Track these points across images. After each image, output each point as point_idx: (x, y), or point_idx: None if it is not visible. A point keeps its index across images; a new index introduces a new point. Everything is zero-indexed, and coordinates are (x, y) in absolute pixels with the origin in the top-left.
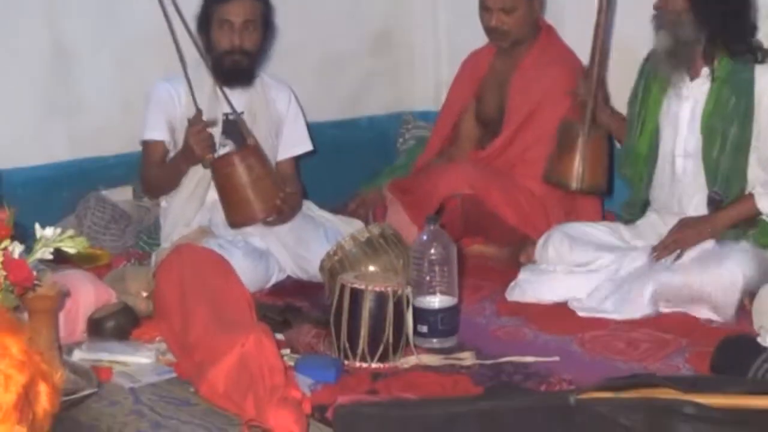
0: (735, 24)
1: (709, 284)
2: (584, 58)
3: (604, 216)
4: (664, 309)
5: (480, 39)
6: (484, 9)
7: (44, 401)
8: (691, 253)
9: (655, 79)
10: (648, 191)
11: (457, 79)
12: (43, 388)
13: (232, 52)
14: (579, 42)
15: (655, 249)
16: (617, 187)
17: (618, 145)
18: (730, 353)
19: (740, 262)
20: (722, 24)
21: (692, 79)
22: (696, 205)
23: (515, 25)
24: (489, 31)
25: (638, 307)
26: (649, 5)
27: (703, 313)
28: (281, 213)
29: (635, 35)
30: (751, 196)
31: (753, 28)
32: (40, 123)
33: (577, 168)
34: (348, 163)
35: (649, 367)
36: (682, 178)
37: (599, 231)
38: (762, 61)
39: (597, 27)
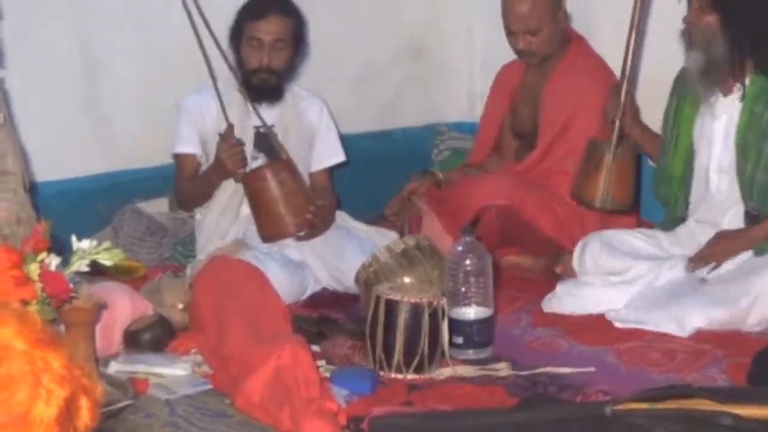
0: (766, 40)
1: (751, 295)
2: (616, 65)
3: (642, 225)
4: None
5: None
6: (510, 33)
7: (85, 416)
8: (728, 266)
9: (687, 97)
10: (684, 210)
11: (492, 91)
12: (84, 403)
13: (260, 70)
14: (611, 50)
15: (691, 260)
16: (652, 204)
17: (650, 163)
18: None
19: None
20: (753, 41)
21: (724, 95)
22: (731, 219)
23: (542, 45)
24: (518, 53)
25: (682, 328)
26: (678, 23)
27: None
28: (313, 227)
29: (665, 54)
30: None
31: None
32: (75, 135)
33: (602, 187)
34: (382, 174)
35: (686, 378)
36: (716, 195)
37: (636, 238)
38: None
39: (627, 44)
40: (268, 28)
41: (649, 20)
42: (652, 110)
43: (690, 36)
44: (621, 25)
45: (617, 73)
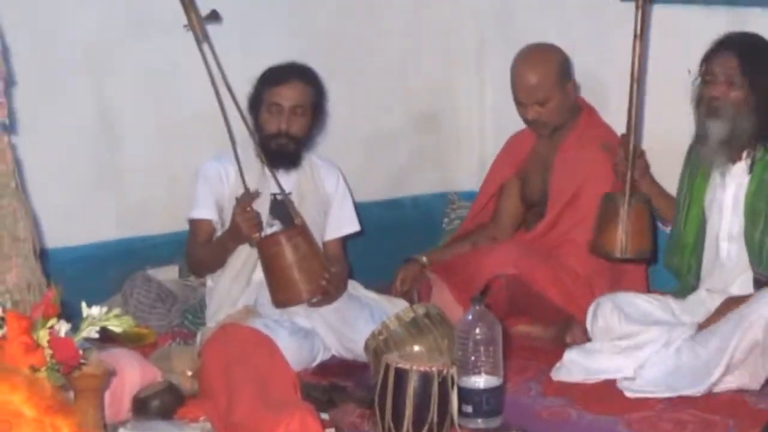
0: None
1: (746, 324)
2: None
3: (652, 291)
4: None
5: None
6: (519, 104)
7: None
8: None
9: (699, 167)
10: (696, 280)
11: (498, 158)
12: None
13: (278, 136)
14: (621, 121)
15: (701, 327)
16: (661, 273)
17: (661, 227)
18: None
19: None
20: None
21: (733, 164)
22: (740, 284)
23: (552, 115)
24: (528, 123)
25: (699, 383)
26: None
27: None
28: (326, 294)
29: (670, 119)
30: None
31: None
32: (87, 201)
33: (620, 236)
34: (393, 242)
35: None
36: (726, 262)
37: (648, 302)
38: None
39: (630, 97)
40: (288, 94)
41: (649, 94)
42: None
43: (716, 110)
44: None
45: None
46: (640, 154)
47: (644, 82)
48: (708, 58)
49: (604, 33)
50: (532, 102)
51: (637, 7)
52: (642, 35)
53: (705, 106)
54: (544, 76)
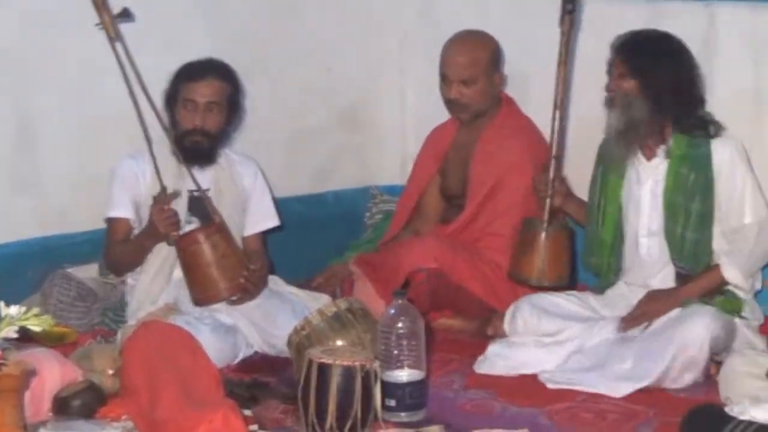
0: (684, 101)
1: (678, 344)
2: (546, 129)
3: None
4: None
5: (446, 114)
6: (444, 81)
7: None
8: (656, 322)
9: (612, 165)
10: (616, 276)
11: (421, 153)
12: None
13: (193, 132)
14: (542, 114)
15: (623, 321)
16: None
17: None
18: (698, 424)
19: (705, 319)
20: (672, 102)
21: (648, 159)
22: (662, 279)
23: (474, 98)
24: (448, 103)
25: (615, 389)
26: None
27: (679, 380)
28: (246, 291)
29: (595, 118)
30: (717, 267)
31: (702, 103)
32: (5, 200)
33: (537, 264)
34: (315, 237)
35: None
36: (647, 258)
37: (568, 301)
38: (716, 135)
39: (552, 123)
40: (203, 91)
41: (574, 92)
42: (585, 178)
43: (612, 102)
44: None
45: (547, 135)
46: (561, 180)
47: (570, 87)
48: (609, 60)
49: (527, 28)
50: (457, 79)
51: (562, 34)
52: (566, 61)
53: (606, 101)
54: (475, 58)
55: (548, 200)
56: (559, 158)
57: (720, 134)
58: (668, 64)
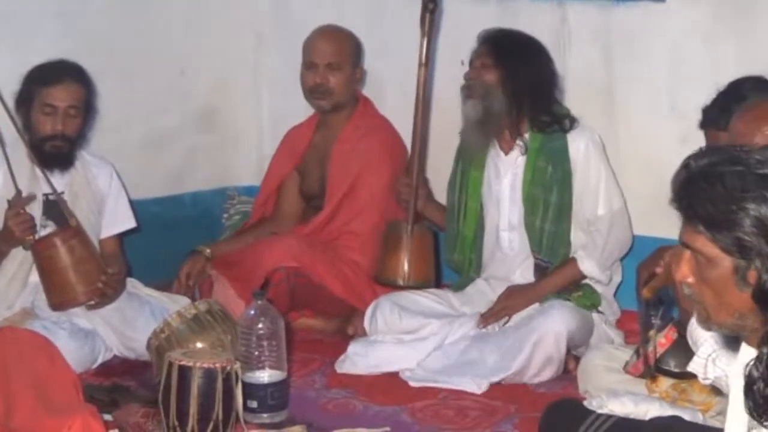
0: (541, 98)
1: (535, 339)
2: (402, 129)
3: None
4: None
5: (302, 115)
6: (309, 68)
7: None
8: (515, 317)
9: (471, 161)
10: (477, 272)
11: (277, 153)
12: None
13: (53, 137)
14: (399, 115)
15: (483, 316)
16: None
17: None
18: (557, 418)
19: (563, 315)
20: (529, 100)
21: (506, 153)
22: (522, 271)
23: (338, 84)
24: (312, 90)
25: (477, 384)
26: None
27: (538, 375)
28: (104, 295)
29: (455, 120)
30: (573, 260)
31: (556, 103)
32: None
33: (402, 266)
34: (173, 239)
35: None
36: (508, 252)
37: (427, 299)
38: (571, 129)
39: (414, 128)
40: (62, 95)
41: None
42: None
43: (469, 90)
44: (410, 78)
45: (403, 135)
46: (423, 183)
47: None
48: (473, 51)
49: (382, 27)
50: (324, 62)
51: (423, 35)
52: (427, 63)
53: (463, 89)
54: (341, 46)
55: (411, 202)
56: (422, 160)
57: (575, 127)
58: (532, 63)
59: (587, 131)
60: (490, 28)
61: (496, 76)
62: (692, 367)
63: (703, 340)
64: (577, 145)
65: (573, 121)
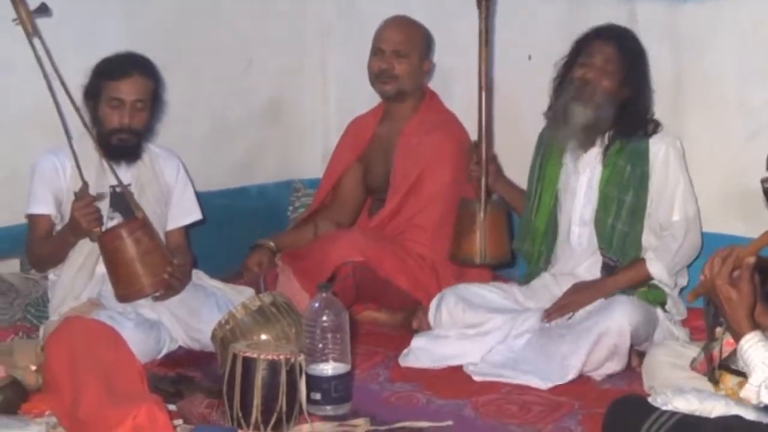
0: (644, 108)
1: (599, 332)
2: (469, 125)
3: (497, 280)
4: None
5: (368, 108)
6: (376, 54)
7: None
8: (580, 312)
9: (551, 153)
10: (546, 265)
11: (340, 142)
12: None
13: (120, 130)
14: (465, 109)
15: (547, 312)
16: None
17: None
18: (622, 414)
19: (626, 309)
20: (634, 107)
21: (586, 151)
22: (588, 267)
23: (404, 72)
24: (378, 74)
25: (543, 379)
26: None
27: (602, 367)
28: (170, 286)
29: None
30: (642, 261)
31: (649, 110)
32: None
33: (479, 244)
34: (238, 231)
35: (543, 430)
36: (576, 247)
37: (492, 293)
38: (654, 132)
39: (480, 102)
40: (129, 89)
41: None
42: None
43: (581, 92)
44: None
45: (469, 130)
46: (492, 159)
47: (492, 77)
48: (587, 43)
49: (446, 22)
50: (391, 49)
51: (480, 15)
52: (487, 42)
53: (575, 88)
54: (411, 35)
55: (483, 179)
56: (489, 137)
57: (658, 131)
58: (646, 72)
59: (669, 136)
60: (611, 25)
61: (616, 83)
62: (744, 394)
63: (754, 366)
64: (658, 148)
65: (657, 126)
